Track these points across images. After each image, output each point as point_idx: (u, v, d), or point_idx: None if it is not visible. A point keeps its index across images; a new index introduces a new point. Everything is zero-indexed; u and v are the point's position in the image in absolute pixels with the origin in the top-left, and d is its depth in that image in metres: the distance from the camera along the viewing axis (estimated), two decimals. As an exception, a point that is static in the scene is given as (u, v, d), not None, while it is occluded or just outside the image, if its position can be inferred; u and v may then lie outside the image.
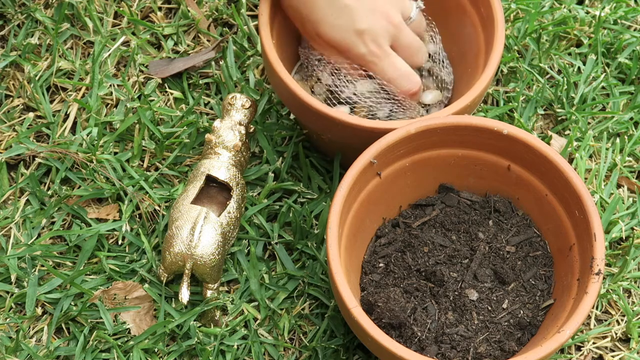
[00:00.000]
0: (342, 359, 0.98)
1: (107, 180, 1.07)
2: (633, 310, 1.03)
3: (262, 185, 1.07)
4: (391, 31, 0.99)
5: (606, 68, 1.19)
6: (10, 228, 1.04)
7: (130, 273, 1.02)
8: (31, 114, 1.11)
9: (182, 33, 1.18)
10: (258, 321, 1.01)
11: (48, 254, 1.02)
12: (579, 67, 1.19)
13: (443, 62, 1.08)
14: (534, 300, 0.94)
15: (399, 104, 1.01)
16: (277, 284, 1.02)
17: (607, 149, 1.13)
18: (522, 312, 0.93)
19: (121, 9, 1.20)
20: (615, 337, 1.02)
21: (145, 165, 1.09)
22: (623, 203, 1.10)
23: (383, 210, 0.99)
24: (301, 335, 1.00)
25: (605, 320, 1.04)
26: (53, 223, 1.05)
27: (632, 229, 1.08)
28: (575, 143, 1.12)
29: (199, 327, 0.99)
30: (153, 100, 1.13)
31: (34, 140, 1.10)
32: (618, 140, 1.12)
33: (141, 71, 1.15)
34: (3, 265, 1.02)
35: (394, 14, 0.99)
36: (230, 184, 1.00)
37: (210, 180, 1.01)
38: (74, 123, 1.11)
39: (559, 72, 1.19)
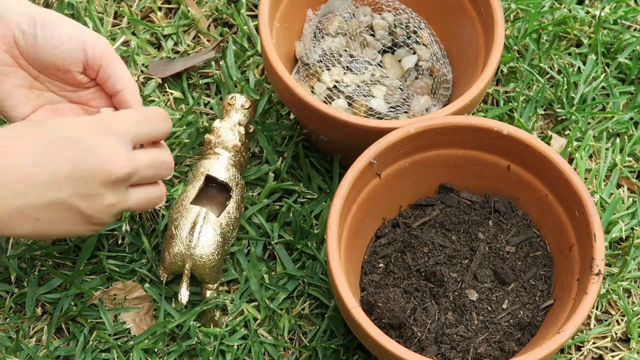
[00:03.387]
0: (342, 359, 0.98)
1: (107, 180, 1.07)
2: (633, 310, 1.03)
3: (262, 185, 1.07)
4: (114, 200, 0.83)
5: (606, 68, 1.19)
6: (10, 228, 1.04)
7: (130, 273, 1.02)
8: (31, 114, 1.11)
9: (182, 33, 1.18)
10: (258, 321, 1.01)
11: (48, 254, 1.02)
12: (579, 67, 1.19)
13: (442, 61, 1.08)
14: (533, 301, 0.94)
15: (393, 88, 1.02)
16: (277, 284, 1.02)
17: (607, 149, 1.13)
18: (522, 312, 0.93)
19: (121, 9, 1.20)
20: (615, 337, 1.02)
21: (145, 165, 1.09)
22: (623, 203, 1.10)
23: (383, 210, 0.99)
24: (301, 335, 1.00)
25: (605, 320, 1.04)
26: (53, 223, 1.05)
27: (632, 229, 1.08)
28: (575, 143, 1.12)
29: (199, 327, 0.99)
30: (153, 100, 1.13)
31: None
32: (618, 140, 1.12)
33: (141, 71, 1.15)
34: (3, 265, 1.02)
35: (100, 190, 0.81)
36: (230, 184, 1.00)
37: (209, 180, 1.01)
38: (74, 123, 1.11)
39: (559, 72, 1.19)
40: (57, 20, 0.88)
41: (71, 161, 0.79)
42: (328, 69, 1.05)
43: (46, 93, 0.91)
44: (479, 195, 1.01)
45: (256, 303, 1.01)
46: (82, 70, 0.90)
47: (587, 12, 1.22)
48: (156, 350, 0.98)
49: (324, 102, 1.04)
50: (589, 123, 1.15)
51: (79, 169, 0.79)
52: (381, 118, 1.03)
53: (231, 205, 0.99)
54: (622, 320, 1.04)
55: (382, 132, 0.94)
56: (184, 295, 0.94)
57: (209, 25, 1.20)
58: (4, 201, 0.77)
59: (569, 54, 1.20)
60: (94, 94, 0.93)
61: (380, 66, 1.07)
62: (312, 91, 1.05)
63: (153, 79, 1.14)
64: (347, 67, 1.06)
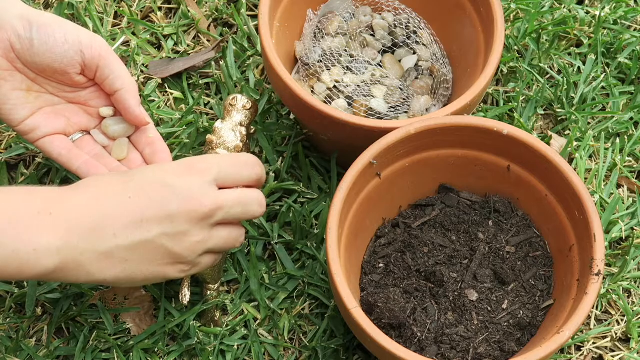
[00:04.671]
0: (342, 359, 0.98)
1: (107, 180, 1.07)
2: (633, 310, 1.03)
3: (263, 186, 1.07)
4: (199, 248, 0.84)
5: (606, 68, 1.19)
6: (11, 228, 1.04)
7: (130, 273, 1.02)
8: (31, 114, 1.11)
9: (182, 33, 1.18)
10: (258, 321, 1.01)
11: (48, 254, 1.02)
12: (579, 67, 1.19)
13: (442, 61, 1.08)
14: (533, 301, 0.94)
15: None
16: (277, 284, 1.02)
17: (607, 149, 1.13)
18: (522, 312, 0.93)
19: (121, 9, 1.20)
20: (615, 337, 1.03)
21: (145, 165, 1.09)
22: (623, 203, 1.10)
23: (383, 210, 0.99)
24: (301, 335, 1.00)
25: (605, 321, 1.04)
26: (53, 223, 1.05)
27: (632, 229, 1.08)
28: (575, 143, 1.12)
29: (199, 327, 0.99)
30: (153, 100, 1.13)
31: (34, 140, 1.10)
32: (618, 140, 1.12)
33: (141, 71, 1.15)
34: (3, 265, 1.02)
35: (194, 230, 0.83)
36: (230, 184, 1.00)
37: (210, 180, 1.01)
38: (74, 123, 1.11)
39: (559, 72, 1.19)
40: (53, 22, 0.88)
41: (158, 201, 0.80)
42: (328, 69, 1.05)
43: (44, 95, 0.92)
44: (479, 195, 1.01)
45: (256, 303, 1.01)
46: (79, 72, 0.90)
47: (587, 12, 1.22)
48: (156, 350, 0.98)
49: (324, 102, 1.04)
50: (589, 123, 1.15)
51: (166, 208, 0.81)
52: (381, 118, 1.03)
53: (231, 205, 0.99)
54: (622, 320, 1.04)
55: (382, 132, 0.94)
56: (185, 295, 0.94)
57: (209, 25, 1.20)
58: (93, 243, 0.78)
59: (569, 54, 1.20)
60: (92, 93, 0.93)
61: (380, 66, 1.07)
62: (312, 91, 1.05)
63: (153, 79, 1.14)
64: (347, 67, 1.06)
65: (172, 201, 0.81)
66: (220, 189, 0.85)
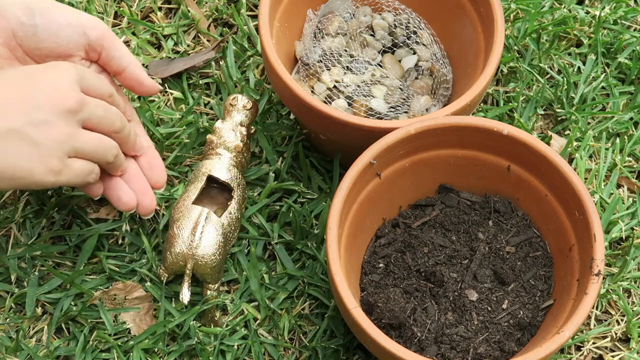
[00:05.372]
0: (342, 359, 0.98)
1: (107, 180, 1.07)
2: (633, 310, 1.03)
3: (263, 185, 1.07)
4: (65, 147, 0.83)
5: (606, 68, 1.19)
6: (11, 228, 1.04)
7: (130, 273, 1.02)
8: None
9: (182, 33, 1.18)
10: (258, 321, 1.01)
11: (48, 254, 1.02)
12: (579, 67, 1.19)
13: (442, 61, 1.08)
14: (533, 301, 0.94)
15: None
16: (277, 284, 1.02)
17: (607, 149, 1.13)
18: (521, 312, 0.93)
19: (121, 9, 1.20)
20: (615, 337, 1.03)
21: (145, 165, 1.09)
22: (623, 203, 1.10)
23: (383, 210, 0.99)
24: (301, 335, 1.00)
25: (605, 320, 1.04)
26: (53, 223, 1.05)
27: (632, 229, 1.08)
28: (575, 143, 1.12)
29: (199, 327, 0.99)
30: (153, 100, 1.13)
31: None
32: (618, 140, 1.12)
33: (141, 71, 1.15)
34: (3, 265, 1.02)
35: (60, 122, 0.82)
36: (232, 185, 1.00)
37: (210, 180, 1.01)
38: (74, 123, 1.11)
39: (559, 72, 1.19)
40: (53, 7, 0.88)
41: (23, 91, 0.80)
42: (328, 69, 1.05)
43: None
44: (479, 195, 1.01)
45: (256, 303, 1.01)
46: (84, 55, 0.90)
47: (587, 12, 1.22)
48: (156, 350, 0.98)
49: (324, 102, 1.04)
50: (589, 123, 1.15)
51: (31, 97, 0.80)
52: (381, 118, 1.03)
53: (233, 205, 0.99)
54: (622, 320, 1.04)
55: (382, 132, 0.94)
56: (185, 295, 0.94)
57: (209, 25, 1.20)
58: None
59: (569, 54, 1.20)
60: None
61: (380, 66, 1.07)
62: (312, 91, 1.05)
63: (153, 79, 1.14)
64: (347, 67, 1.06)
65: (38, 92, 0.81)
66: None
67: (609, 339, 1.02)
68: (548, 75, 1.19)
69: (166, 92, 1.14)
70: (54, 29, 0.87)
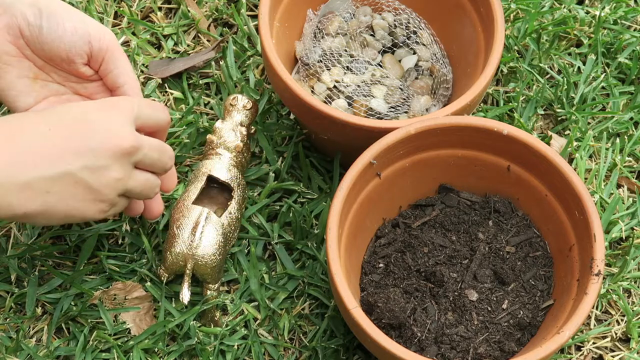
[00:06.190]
0: (342, 359, 0.98)
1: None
2: (633, 310, 1.03)
3: (263, 185, 1.07)
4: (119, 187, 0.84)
5: (606, 68, 1.19)
6: (11, 228, 1.04)
7: (130, 273, 1.02)
8: (31, 114, 1.11)
9: (182, 33, 1.18)
10: (258, 321, 1.01)
11: (48, 254, 1.02)
12: (579, 67, 1.19)
13: (442, 61, 1.08)
14: (533, 301, 0.94)
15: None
16: (277, 284, 1.02)
17: (607, 149, 1.13)
18: (521, 312, 0.93)
19: (121, 9, 1.20)
20: (615, 337, 1.03)
21: (145, 165, 1.09)
22: (623, 203, 1.10)
23: (383, 210, 0.99)
24: (301, 335, 1.00)
25: (605, 320, 1.04)
26: (53, 223, 1.05)
27: (632, 229, 1.08)
28: (575, 143, 1.12)
29: (199, 327, 0.99)
30: (153, 100, 1.13)
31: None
32: (618, 140, 1.12)
33: (141, 71, 1.15)
34: (3, 265, 1.02)
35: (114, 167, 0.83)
36: (232, 185, 1.00)
37: (210, 180, 1.01)
38: (74, 123, 1.11)
39: (559, 72, 1.19)
40: (63, 10, 0.88)
41: (80, 135, 0.80)
42: (328, 69, 1.05)
43: (51, 84, 0.92)
44: (479, 195, 1.01)
45: (256, 303, 1.01)
46: (85, 62, 0.90)
47: (587, 12, 1.22)
48: (156, 350, 0.98)
49: (324, 102, 1.04)
50: (589, 123, 1.15)
51: (87, 142, 0.81)
52: (381, 118, 1.03)
53: (233, 205, 0.99)
54: (622, 320, 1.04)
55: (382, 132, 0.94)
56: (185, 295, 0.94)
57: (209, 25, 1.20)
58: (14, 175, 0.78)
59: (569, 54, 1.20)
60: (98, 87, 0.93)
61: (381, 66, 1.07)
62: (312, 91, 1.05)
63: (153, 79, 1.14)
64: (347, 67, 1.06)
65: (93, 136, 0.81)
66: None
67: (609, 339, 1.02)
68: (548, 75, 1.19)
69: (166, 92, 1.14)
70: (59, 33, 0.87)
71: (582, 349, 1.02)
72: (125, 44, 1.18)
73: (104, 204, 0.83)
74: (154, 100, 0.90)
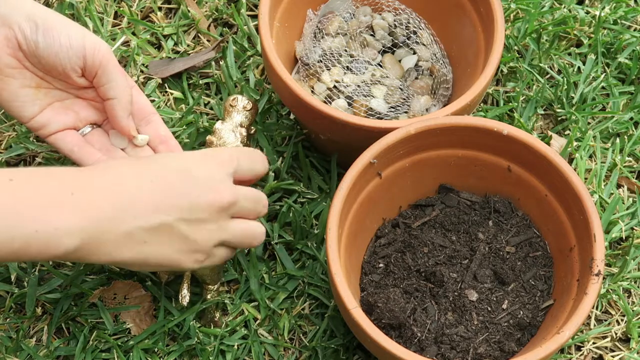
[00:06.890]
0: (342, 359, 0.98)
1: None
2: (633, 310, 1.03)
3: (262, 185, 1.07)
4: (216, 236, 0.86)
5: (606, 68, 1.19)
6: (11, 228, 1.04)
7: (130, 273, 1.02)
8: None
9: (182, 33, 1.18)
10: (258, 321, 1.01)
11: (48, 254, 1.02)
12: (579, 67, 1.19)
13: (442, 61, 1.08)
14: (533, 301, 0.94)
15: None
16: (277, 284, 1.02)
17: (607, 149, 1.13)
18: (521, 312, 0.93)
19: (121, 9, 1.20)
20: (615, 337, 1.03)
21: (145, 165, 1.09)
22: (623, 203, 1.10)
23: (383, 210, 0.99)
24: (301, 335, 1.00)
25: (605, 320, 1.04)
26: (53, 223, 1.05)
27: (632, 229, 1.08)
28: (575, 143, 1.12)
29: (199, 327, 0.99)
30: (153, 100, 1.13)
31: (34, 141, 1.10)
32: (618, 140, 1.12)
33: (141, 71, 1.15)
34: (3, 265, 1.02)
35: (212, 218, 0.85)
36: (231, 184, 1.00)
37: (210, 180, 1.01)
38: (74, 123, 1.11)
39: (559, 72, 1.19)
40: (59, 25, 0.88)
41: (179, 188, 0.82)
42: (328, 69, 1.05)
43: (54, 91, 0.93)
44: (479, 195, 1.01)
45: (256, 303, 1.01)
46: (80, 75, 0.91)
47: (587, 12, 1.22)
48: (156, 350, 0.98)
49: (324, 102, 1.04)
50: (589, 123, 1.15)
51: (187, 196, 0.82)
52: (381, 118, 1.03)
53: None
54: (622, 320, 1.04)
55: (382, 132, 0.94)
56: (185, 295, 0.94)
57: (209, 25, 1.20)
58: (115, 226, 0.79)
59: (569, 54, 1.20)
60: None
61: (381, 66, 1.07)
62: (312, 91, 1.05)
63: (153, 79, 1.14)
64: (347, 67, 1.06)
65: (193, 190, 0.83)
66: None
67: (609, 339, 1.02)
68: (548, 75, 1.19)
69: (166, 92, 1.14)
70: (55, 48, 0.89)
71: (582, 349, 1.02)
72: (125, 44, 1.18)
73: (199, 254, 0.85)
74: (253, 149, 0.92)
